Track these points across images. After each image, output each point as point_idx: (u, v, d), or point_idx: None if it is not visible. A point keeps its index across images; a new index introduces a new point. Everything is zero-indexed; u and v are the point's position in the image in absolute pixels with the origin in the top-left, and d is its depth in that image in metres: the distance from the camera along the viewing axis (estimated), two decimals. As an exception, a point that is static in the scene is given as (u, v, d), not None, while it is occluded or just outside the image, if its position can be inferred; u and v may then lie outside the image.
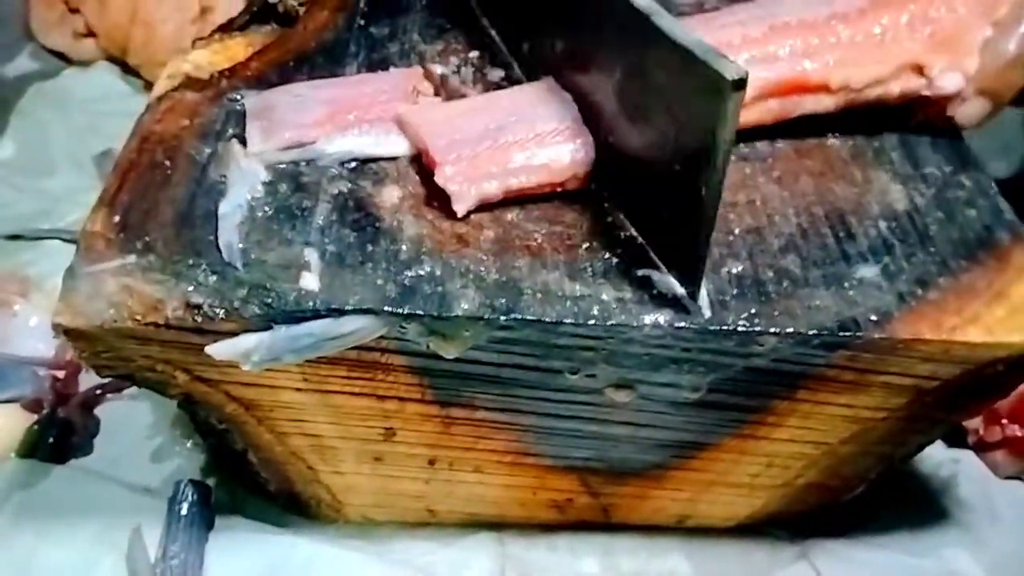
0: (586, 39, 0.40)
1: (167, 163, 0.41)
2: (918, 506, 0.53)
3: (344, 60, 0.47)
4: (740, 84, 0.30)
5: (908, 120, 0.44)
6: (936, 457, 0.55)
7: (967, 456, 0.55)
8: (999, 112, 0.44)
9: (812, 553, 0.50)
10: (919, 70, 0.42)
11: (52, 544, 0.48)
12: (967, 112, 0.43)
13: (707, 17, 0.45)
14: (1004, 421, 0.53)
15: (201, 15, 0.75)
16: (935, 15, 0.42)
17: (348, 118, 0.42)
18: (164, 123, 0.43)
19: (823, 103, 0.42)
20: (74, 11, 0.80)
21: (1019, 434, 0.53)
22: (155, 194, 0.40)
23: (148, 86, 0.77)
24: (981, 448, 0.55)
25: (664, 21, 0.34)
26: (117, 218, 0.38)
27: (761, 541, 0.51)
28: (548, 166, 0.40)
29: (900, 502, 0.53)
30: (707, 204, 0.33)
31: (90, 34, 0.79)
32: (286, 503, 0.49)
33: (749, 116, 0.42)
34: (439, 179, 0.39)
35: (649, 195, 0.37)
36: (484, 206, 0.39)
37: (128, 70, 0.79)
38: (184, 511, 0.49)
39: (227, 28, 0.50)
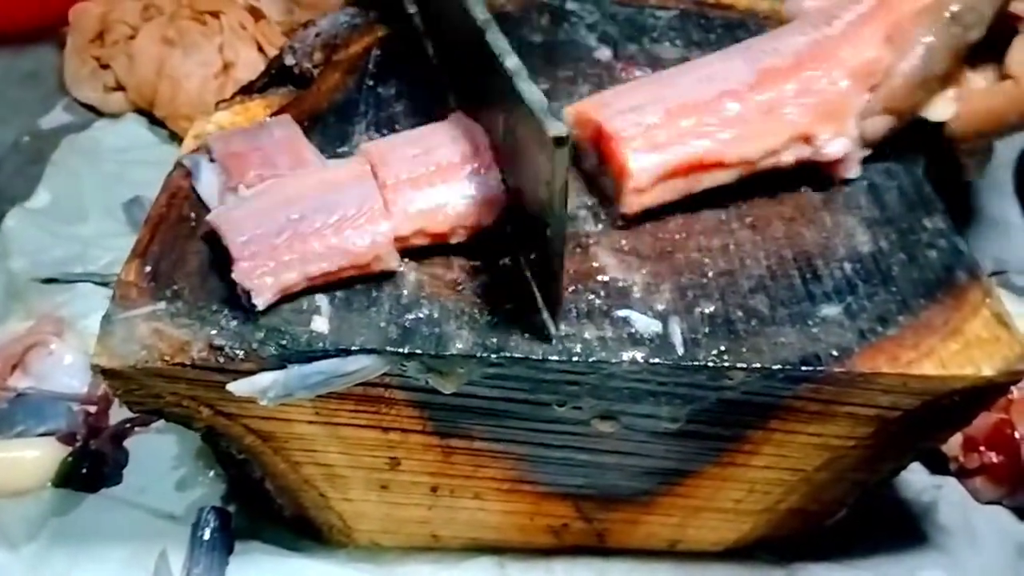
0: (481, 92, 0.44)
1: (193, 217, 0.45)
2: (901, 530, 0.55)
3: (354, 119, 0.51)
4: (562, 141, 0.34)
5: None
6: (919, 483, 0.57)
7: (948, 482, 0.58)
8: (902, 127, 0.47)
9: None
10: (807, 139, 0.45)
11: (85, 567, 0.51)
12: (874, 128, 0.47)
13: (601, 102, 0.46)
14: (982, 448, 0.56)
15: (224, 70, 0.80)
16: (818, 87, 0.45)
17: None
18: (190, 180, 0.47)
19: (721, 177, 0.45)
20: (105, 67, 0.85)
21: (996, 460, 0.56)
22: (182, 246, 0.44)
23: (174, 136, 0.82)
24: (962, 474, 0.57)
25: (522, 82, 0.37)
26: (148, 268, 0.42)
27: (749, 564, 0.53)
28: (347, 250, 0.40)
29: (884, 526, 0.55)
30: (553, 250, 0.37)
31: (119, 88, 0.84)
32: (300, 528, 0.53)
33: (656, 196, 0.44)
34: (236, 276, 0.39)
35: (527, 239, 0.41)
36: (476, 254, 0.43)
37: (155, 121, 0.83)
38: (206, 536, 0.52)
39: (247, 90, 0.54)
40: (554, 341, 0.39)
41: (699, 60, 0.49)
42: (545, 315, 0.40)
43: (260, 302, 0.39)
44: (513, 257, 0.43)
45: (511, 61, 0.38)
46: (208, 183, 0.46)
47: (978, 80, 0.48)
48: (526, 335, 0.40)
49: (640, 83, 0.49)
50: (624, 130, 0.44)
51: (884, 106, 0.46)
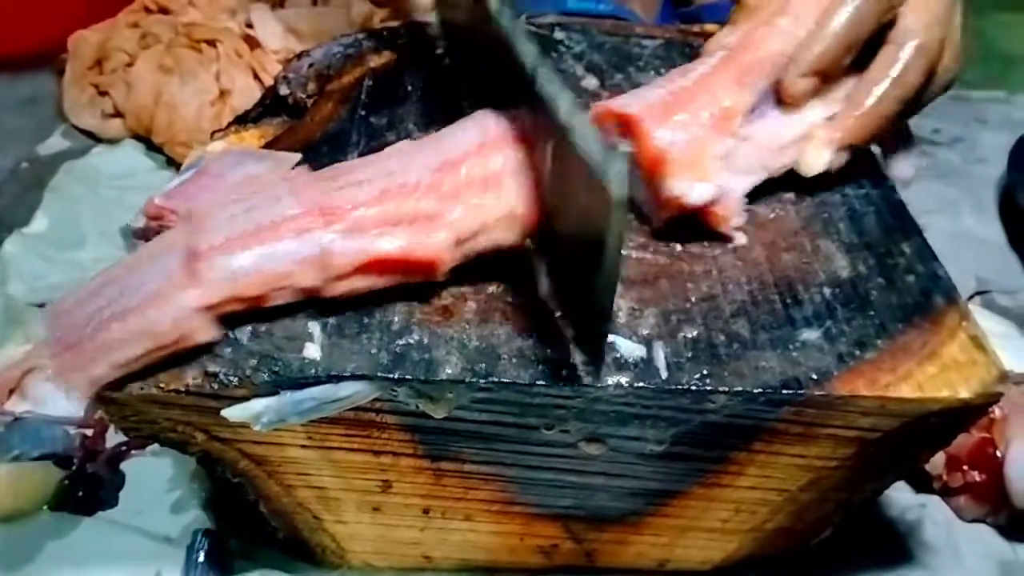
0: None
1: (188, 245, 0.46)
2: (885, 548, 0.56)
3: (347, 148, 0.52)
4: (623, 205, 0.33)
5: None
6: (903, 502, 0.58)
7: (933, 500, 0.59)
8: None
9: (784, 594, 0.53)
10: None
11: (81, 590, 0.52)
12: (828, 163, 0.47)
13: (320, 179, 0.43)
14: (965, 467, 0.57)
15: (220, 97, 0.82)
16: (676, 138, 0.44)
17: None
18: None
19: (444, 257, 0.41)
20: (103, 93, 0.86)
21: (979, 479, 0.56)
22: (178, 274, 0.45)
23: (171, 162, 0.83)
24: (946, 493, 0.58)
25: (580, 134, 0.35)
26: (144, 296, 0.43)
27: (737, 583, 0.54)
28: (149, 331, 0.38)
29: (869, 545, 0.56)
30: (601, 300, 0.36)
31: (117, 115, 0.86)
32: (294, 551, 0.53)
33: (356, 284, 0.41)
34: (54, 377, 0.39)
35: (566, 272, 0.41)
36: (467, 279, 0.44)
37: (152, 148, 0.85)
38: (201, 559, 0.53)
39: (242, 120, 0.55)
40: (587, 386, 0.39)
41: None
42: (579, 360, 0.40)
43: (76, 401, 0.39)
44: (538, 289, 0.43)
45: (566, 107, 0.37)
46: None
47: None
48: (514, 359, 0.41)
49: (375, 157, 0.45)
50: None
51: (841, 142, 0.47)
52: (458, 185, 0.41)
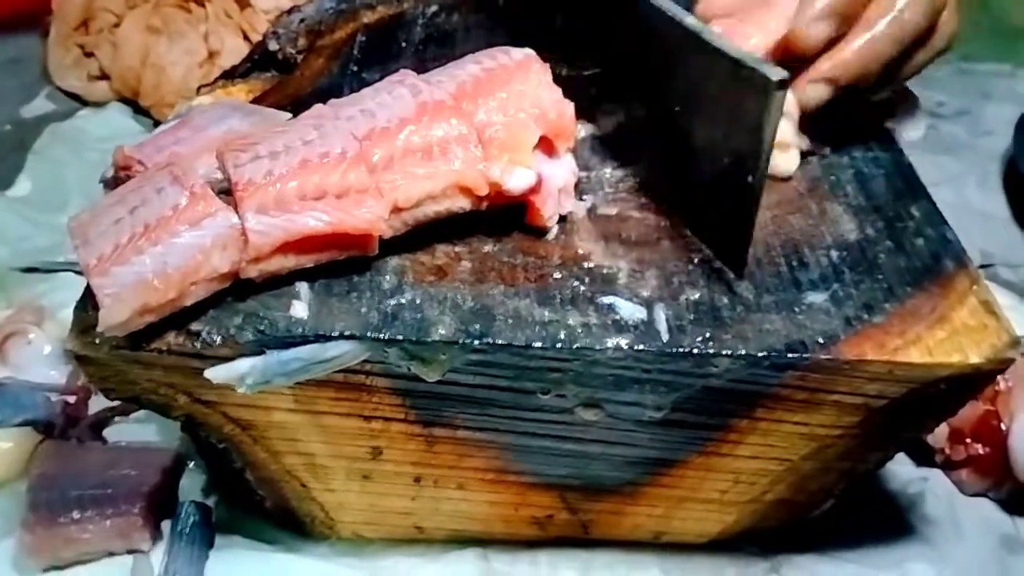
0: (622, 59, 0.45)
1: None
2: (886, 522, 0.55)
3: (337, 104, 0.50)
4: (782, 84, 0.36)
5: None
6: (905, 475, 0.57)
7: (935, 474, 0.57)
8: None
9: (783, 568, 0.52)
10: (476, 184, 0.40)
11: (62, 560, 0.51)
12: (811, 95, 0.45)
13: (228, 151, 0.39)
14: (968, 440, 0.56)
15: (209, 59, 0.80)
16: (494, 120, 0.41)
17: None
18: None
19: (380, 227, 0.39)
20: (89, 55, 0.84)
21: (982, 452, 0.55)
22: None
23: (158, 125, 0.81)
24: (948, 466, 0.57)
25: (713, 36, 0.39)
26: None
27: (734, 556, 0.53)
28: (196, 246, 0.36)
29: (869, 518, 0.55)
30: (755, 192, 0.39)
31: (104, 77, 0.84)
32: (282, 521, 0.52)
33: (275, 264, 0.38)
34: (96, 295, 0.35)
35: (699, 192, 0.43)
36: (459, 239, 0.42)
37: (139, 111, 0.83)
38: (186, 530, 0.51)
39: (230, 75, 0.53)
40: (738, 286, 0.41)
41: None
42: (634, 304, 0.40)
43: (114, 328, 0.36)
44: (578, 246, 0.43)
45: (691, 20, 0.40)
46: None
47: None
48: (510, 320, 0.39)
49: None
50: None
51: (827, 76, 0.44)
52: (392, 154, 0.39)
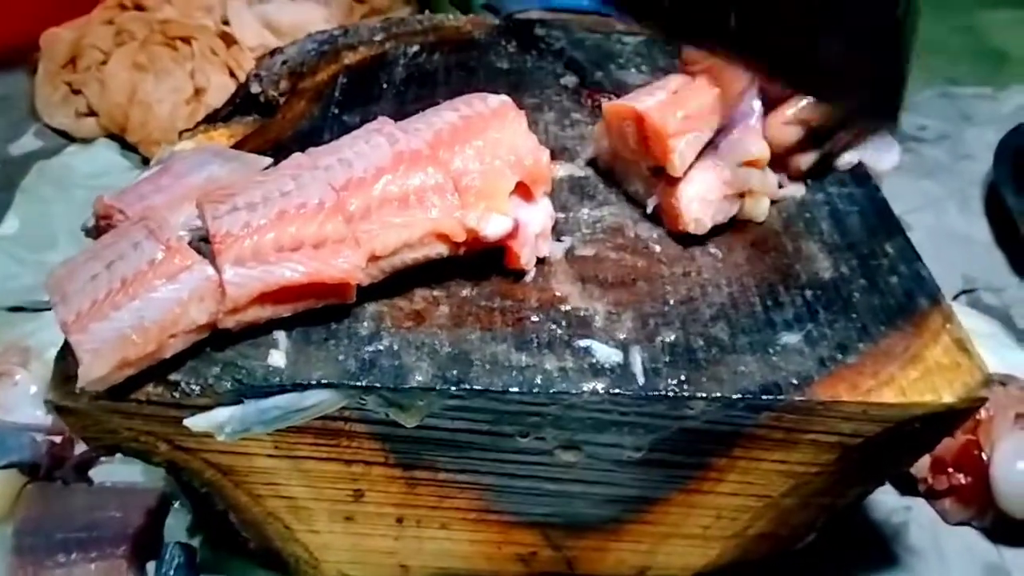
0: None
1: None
2: (871, 552, 0.55)
3: (318, 147, 0.51)
4: None
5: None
6: (889, 504, 0.58)
7: (918, 503, 0.58)
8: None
9: (767, 600, 0.52)
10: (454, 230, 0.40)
11: (46, 603, 0.51)
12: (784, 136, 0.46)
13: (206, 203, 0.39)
14: (950, 470, 0.56)
15: (195, 95, 0.80)
16: (471, 168, 0.41)
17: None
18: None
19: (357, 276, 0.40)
20: (76, 92, 0.85)
21: (965, 482, 0.56)
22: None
23: (146, 161, 0.82)
24: (931, 496, 0.58)
25: None
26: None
27: (719, 590, 0.53)
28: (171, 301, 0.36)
29: (853, 548, 0.55)
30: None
31: (91, 113, 0.84)
32: (266, 561, 0.52)
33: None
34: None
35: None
36: (437, 283, 0.43)
37: (127, 146, 0.83)
38: (171, 572, 0.51)
39: (212, 119, 0.54)
40: None
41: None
42: (609, 348, 0.40)
43: (94, 383, 0.36)
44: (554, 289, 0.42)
45: None
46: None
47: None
48: (487, 365, 0.39)
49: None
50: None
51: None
52: (370, 204, 0.39)
